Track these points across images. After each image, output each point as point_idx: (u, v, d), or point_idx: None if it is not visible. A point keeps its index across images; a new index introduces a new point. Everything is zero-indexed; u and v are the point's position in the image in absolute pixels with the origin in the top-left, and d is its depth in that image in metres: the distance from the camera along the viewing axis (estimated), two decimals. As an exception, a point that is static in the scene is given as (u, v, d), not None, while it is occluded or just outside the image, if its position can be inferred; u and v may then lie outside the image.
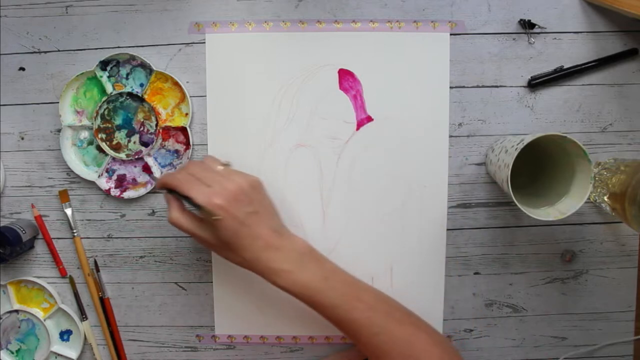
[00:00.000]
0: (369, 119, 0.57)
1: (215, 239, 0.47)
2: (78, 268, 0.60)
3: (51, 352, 0.61)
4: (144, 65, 0.57)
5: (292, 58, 0.57)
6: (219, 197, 0.45)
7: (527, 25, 0.56)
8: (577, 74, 0.56)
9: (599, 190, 0.53)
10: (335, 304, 0.48)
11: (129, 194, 0.58)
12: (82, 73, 0.56)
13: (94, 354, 0.61)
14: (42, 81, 0.58)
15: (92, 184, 0.59)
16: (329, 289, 0.48)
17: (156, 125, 0.58)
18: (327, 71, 0.57)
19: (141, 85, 0.58)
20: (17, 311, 0.60)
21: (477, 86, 0.57)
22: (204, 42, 0.57)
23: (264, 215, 0.48)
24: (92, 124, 0.57)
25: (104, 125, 0.58)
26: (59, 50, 0.58)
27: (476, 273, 0.60)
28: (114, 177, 0.59)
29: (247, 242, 0.47)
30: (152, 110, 0.57)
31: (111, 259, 0.61)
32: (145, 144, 0.58)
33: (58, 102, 0.57)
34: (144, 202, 0.59)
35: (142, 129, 0.58)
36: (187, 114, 0.57)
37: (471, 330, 0.60)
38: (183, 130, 0.58)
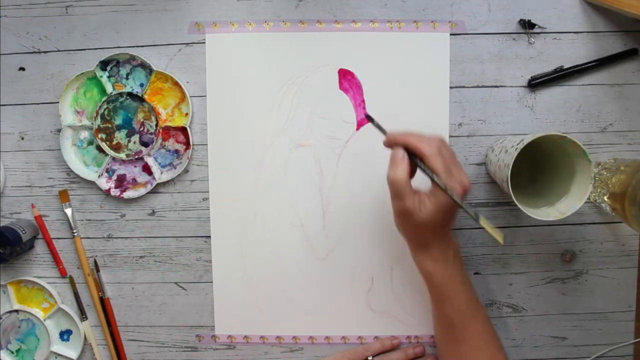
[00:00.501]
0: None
1: (423, 216, 0.46)
2: (78, 268, 0.60)
3: (51, 352, 0.61)
4: (144, 65, 0.57)
5: (292, 58, 0.57)
6: (468, 183, 0.46)
7: (527, 25, 0.56)
8: (577, 74, 0.56)
9: (599, 190, 0.53)
10: (461, 307, 0.51)
11: (129, 194, 0.58)
12: (82, 73, 0.56)
13: (94, 354, 0.61)
14: (42, 81, 0.58)
15: (92, 184, 0.59)
16: (463, 293, 0.51)
17: (156, 125, 0.58)
18: (327, 71, 0.57)
19: (141, 85, 0.58)
20: (17, 311, 0.60)
21: (477, 86, 0.57)
22: (204, 42, 0.57)
23: (453, 217, 0.50)
24: (92, 124, 0.57)
25: (104, 125, 0.58)
26: (59, 50, 0.58)
27: (476, 273, 0.60)
28: (114, 177, 0.59)
29: (439, 230, 0.48)
30: (152, 110, 0.57)
31: (111, 259, 0.61)
32: (145, 144, 0.58)
33: (58, 102, 0.57)
34: (144, 202, 0.59)
35: (142, 129, 0.58)
36: (187, 114, 0.57)
37: (471, 330, 0.60)
38: (183, 130, 0.58)
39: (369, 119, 0.51)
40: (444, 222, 0.48)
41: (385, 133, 0.49)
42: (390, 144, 0.48)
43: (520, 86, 0.57)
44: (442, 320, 0.53)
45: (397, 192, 0.47)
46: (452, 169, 0.46)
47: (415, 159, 0.47)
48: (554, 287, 0.60)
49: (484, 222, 0.43)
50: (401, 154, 0.47)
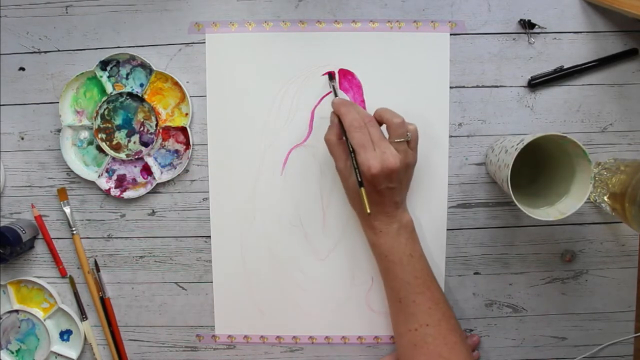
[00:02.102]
0: (369, 119, 0.57)
1: (350, 178, 0.51)
2: (78, 268, 0.60)
3: (51, 352, 0.61)
4: (144, 65, 0.57)
5: (292, 58, 0.57)
6: (377, 167, 0.47)
7: (527, 25, 0.56)
8: (577, 74, 0.56)
9: (599, 190, 0.53)
10: (408, 280, 0.51)
11: (129, 194, 0.58)
12: (82, 73, 0.56)
13: (94, 354, 0.61)
14: (42, 81, 0.58)
15: (92, 184, 0.59)
16: (408, 265, 0.51)
17: (156, 125, 0.58)
18: (327, 71, 0.57)
19: (141, 85, 0.58)
20: (17, 311, 0.60)
21: (477, 86, 0.57)
22: (204, 42, 0.57)
23: (397, 190, 0.50)
24: (92, 124, 0.57)
25: (104, 125, 0.58)
26: (59, 50, 0.58)
27: (476, 273, 0.60)
28: (114, 177, 0.59)
29: (369, 201, 0.48)
30: (152, 110, 0.57)
31: (111, 259, 0.61)
32: (145, 144, 0.58)
33: (58, 102, 0.57)
34: (144, 202, 0.59)
35: (142, 129, 0.58)
36: (187, 114, 0.57)
37: (471, 330, 0.60)
38: (183, 130, 0.58)
39: (330, 78, 0.56)
40: (370, 194, 0.49)
41: (334, 97, 0.54)
42: (333, 108, 0.52)
43: (520, 86, 0.57)
44: (388, 293, 0.54)
45: (331, 152, 0.52)
46: (374, 146, 0.48)
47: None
48: (554, 287, 0.60)
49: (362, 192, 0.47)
50: (335, 119, 0.51)
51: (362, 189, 0.47)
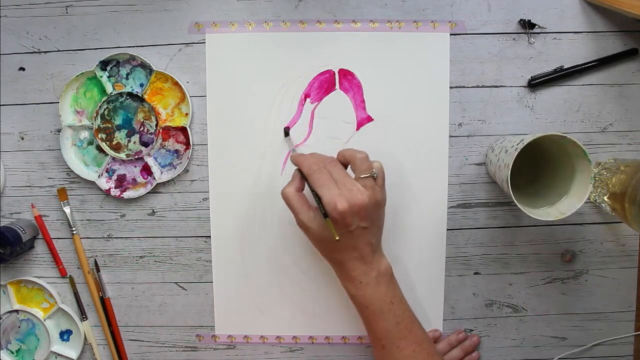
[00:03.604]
0: (369, 119, 0.57)
1: (317, 229, 0.48)
2: (78, 268, 0.60)
3: (51, 352, 0.61)
4: (144, 65, 0.57)
5: (292, 58, 0.57)
6: (344, 204, 0.45)
7: (527, 25, 0.56)
8: (577, 74, 0.56)
9: (599, 190, 0.53)
10: (389, 327, 0.49)
11: (129, 194, 0.58)
12: (82, 73, 0.56)
13: (94, 354, 0.61)
14: (42, 81, 0.58)
15: (92, 184, 0.59)
16: (389, 312, 0.49)
17: (156, 125, 0.58)
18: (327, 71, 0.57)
19: (141, 85, 0.58)
20: (17, 311, 0.60)
21: (477, 86, 0.57)
22: (204, 42, 0.57)
23: (371, 230, 0.48)
24: (92, 124, 0.57)
25: (104, 125, 0.58)
26: (59, 50, 0.58)
27: (476, 273, 0.60)
28: (114, 177, 0.59)
29: (343, 248, 0.48)
30: (152, 110, 0.57)
31: (111, 259, 0.61)
32: (145, 144, 0.58)
33: (58, 102, 0.57)
34: (144, 202, 0.59)
35: (142, 129, 0.58)
36: (187, 114, 0.57)
37: (471, 330, 0.60)
38: (183, 130, 0.58)
39: (286, 133, 0.56)
40: (343, 238, 0.47)
41: (291, 151, 0.53)
42: (293, 163, 0.51)
43: (520, 86, 0.57)
44: (372, 340, 0.52)
45: (290, 206, 0.49)
46: (339, 185, 0.46)
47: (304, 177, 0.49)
48: (554, 287, 0.60)
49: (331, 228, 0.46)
50: (296, 172, 0.50)
51: (327, 219, 0.46)
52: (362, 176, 0.47)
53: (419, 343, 0.50)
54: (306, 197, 0.50)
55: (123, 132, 0.58)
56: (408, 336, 0.50)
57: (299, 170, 0.50)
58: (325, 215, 0.46)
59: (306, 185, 0.50)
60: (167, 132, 0.58)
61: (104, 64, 0.57)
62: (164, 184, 0.59)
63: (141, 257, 0.60)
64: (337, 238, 0.45)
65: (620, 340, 0.60)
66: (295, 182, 0.50)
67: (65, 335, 0.62)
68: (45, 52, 0.58)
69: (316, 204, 0.48)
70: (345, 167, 0.50)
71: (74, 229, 0.59)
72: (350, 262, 0.49)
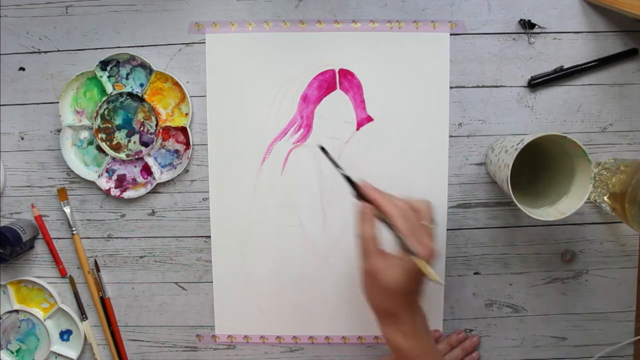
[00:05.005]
0: (369, 119, 0.57)
1: (389, 280, 0.44)
2: (78, 268, 0.60)
3: (51, 352, 0.61)
4: (144, 65, 0.57)
5: (292, 58, 0.57)
6: (425, 252, 0.43)
7: (527, 25, 0.56)
8: (577, 74, 0.56)
9: (599, 190, 0.53)
10: None
11: (129, 194, 0.58)
12: (82, 73, 0.56)
13: (94, 354, 0.61)
14: (42, 81, 0.58)
15: (92, 184, 0.59)
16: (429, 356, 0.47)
17: (156, 125, 0.58)
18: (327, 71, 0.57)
19: (141, 85, 0.58)
20: (17, 311, 0.60)
21: (477, 86, 0.57)
22: (204, 42, 0.57)
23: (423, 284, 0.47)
24: (92, 124, 0.57)
25: (104, 125, 0.58)
26: (59, 50, 0.58)
27: (476, 273, 0.60)
28: (114, 177, 0.59)
29: (407, 301, 0.46)
30: (152, 110, 0.57)
31: (111, 259, 0.61)
32: (145, 144, 0.58)
33: (58, 102, 0.57)
34: (144, 202, 0.59)
35: (142, 129, 0.58)
36: (187, 114, 0.57)
37: (471, 330, 0.60)
38: (183, 130, 0.58)
39: (323, 150, 0.50)
40: (412, 289, 0.45)
41: (356, 186, 0.47)
42: (360, 197, 0.47)
43: (520, 86, 0.57)
44: None
45: (365, 249, 0.45)
46: (419, 234, 0.44)
47: (383, 218, 0.45)
48: (554, 287, 0.60)
49: (431, 275, 0.43)
50: (369, 209, 0.46)
51: (423, 261, 0.42)
52: (426, 224, 0.45)
53: None
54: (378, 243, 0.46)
55: (123, 132, 0.58)
56: None
57: (371, 207, 0.46)
58: (413, 253, 0.43)
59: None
60: (167, 132, 0.58)
61: (104, 64, 0.57)
62: (164, 184, 0.59)
63: (141, 257, 0.60)
64: (441, 281, 0.43)
65: (620, 341, 0.60)
66: (371, 221, 0.45)
67: (65, 335, 0.62)
68: (45, 52, 0.58)
69: (399, 247, 0.44)
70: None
71: (74, 229, 0.59)
72: (404, 313, 0.46)
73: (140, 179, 0.59)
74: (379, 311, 0.48)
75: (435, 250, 0.44)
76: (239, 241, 0.59)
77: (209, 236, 0.59)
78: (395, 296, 0.45)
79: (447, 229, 0.58)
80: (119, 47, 0.58)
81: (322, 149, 0.51)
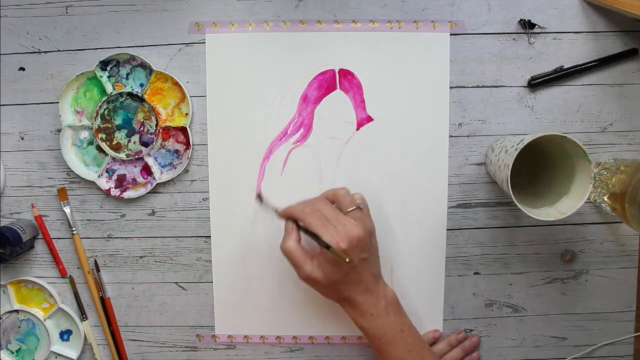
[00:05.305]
0: (369, 119, 0.57)
1: (323, 277, 0.49)
2: (78, 268, 0.60)
3: (51, 352, 0.61)
4: (144, 65, 0.57)
5: (292, 58, 0.57)
6: (344, 241, 0.46)
7: (527, 25, 0.56)
8: (577, 74, 0.56)
9: (599, 190, 0.53)
10: (402, 356, 0.50)
11: (129, 194, 0.58)
12: (82, 73, 0.56)
13: (94, 354, 0.61)
14: (42, 81, 0.58)
15: (92, 184, 0.59)
16: (401, 341, 0.50)
17: (156, 125, 0.58)
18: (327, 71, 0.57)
19: (141, 85, 0.58)
20: (17, 311, 0.60)
21: (477, 86, 0.57)
22: (204, 42, 0.57)
23: (371, 261, 0.50)
24: (92, 124, 0.57)
25: (104, 125, 0.58)
26: (59, 50, 0.58)
27: (476, 273, 0.60)
28: (114, 177, 0.59)
29: (350, 284, 0.49)
30: (152, 110, 0.57)
31: (111, 259, 0.61)
32: (145, 144, 0.58)
33: (58, 102, 0.57)
34: (144, 202, 0.59)
35: (142, 129, 0.58)
36: (187, 114, 0.57)
37: (471, 330, 0.60)
38: (183, 130, 0.58)
39: (259, 198, 0.56)
40: (345, 273, 0.48)
41: (275, 211, 0.52)
42: (282, 217, 0.52)
43: (520, 86, 0.57)
44: None
45: (292, 261, 0.49)
46: (335, 222, 0.47)
47: (299, 224, 0.50)
48: (554, 287, 0.60)
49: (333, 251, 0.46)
50: (290, 224, 0.50)
51: (332, 248, 0.46)
52: (349, 210, 0.49)
53: None
54: (305, 248, 0.50)
55: (123, 132, 0.58)
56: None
57: (292, 221, 0.50)
58: (328, 246, 0.46)
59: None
60: (167, 132, 0.58)
61: (104, 64, 0.57)
62: (164, 184, 0.59)
63: (141, 257, 0.60)
64: (348, 260, 0.45)
65: (620, 341, 0.60)
66: (292, 234, 0.50)
67: (65, 335, 0.62)
68: (45, 52, 0.58)
69: (314, 244, 0.48)
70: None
71: (74, 229, 0.59)
72: (359, 296, 0.49)
73: (140, 179, 0.59)
74: (337, 301, 0.52)
75: (350, 233, 0.46)
76: (239, 241, 0.59)
77: (209, 236, 0.59)
78: (336, 285, 0.49)
79: (447, 229, 0.58)
80: (119, 47, 0.58)
81: (259, 196, 0.57)
